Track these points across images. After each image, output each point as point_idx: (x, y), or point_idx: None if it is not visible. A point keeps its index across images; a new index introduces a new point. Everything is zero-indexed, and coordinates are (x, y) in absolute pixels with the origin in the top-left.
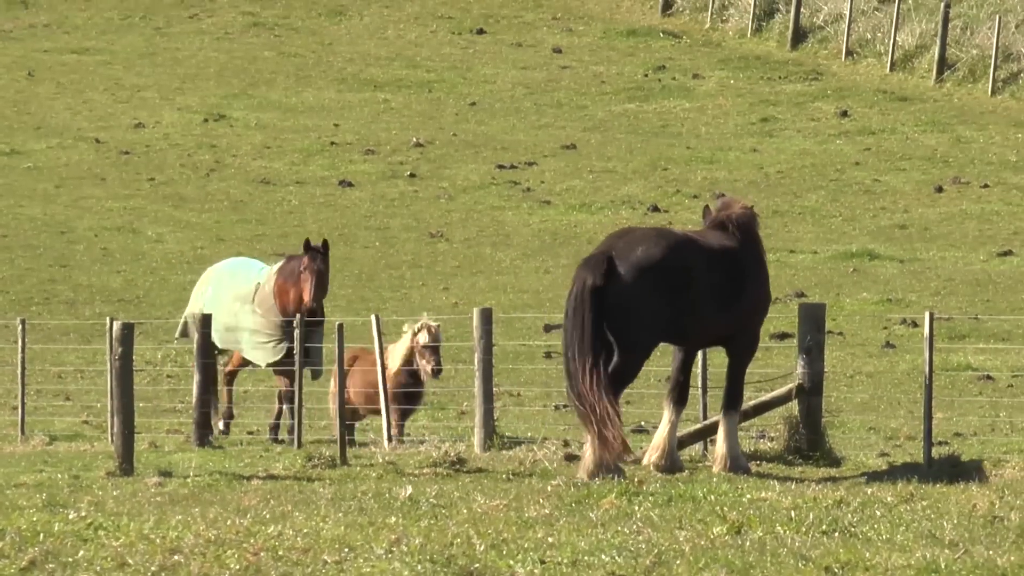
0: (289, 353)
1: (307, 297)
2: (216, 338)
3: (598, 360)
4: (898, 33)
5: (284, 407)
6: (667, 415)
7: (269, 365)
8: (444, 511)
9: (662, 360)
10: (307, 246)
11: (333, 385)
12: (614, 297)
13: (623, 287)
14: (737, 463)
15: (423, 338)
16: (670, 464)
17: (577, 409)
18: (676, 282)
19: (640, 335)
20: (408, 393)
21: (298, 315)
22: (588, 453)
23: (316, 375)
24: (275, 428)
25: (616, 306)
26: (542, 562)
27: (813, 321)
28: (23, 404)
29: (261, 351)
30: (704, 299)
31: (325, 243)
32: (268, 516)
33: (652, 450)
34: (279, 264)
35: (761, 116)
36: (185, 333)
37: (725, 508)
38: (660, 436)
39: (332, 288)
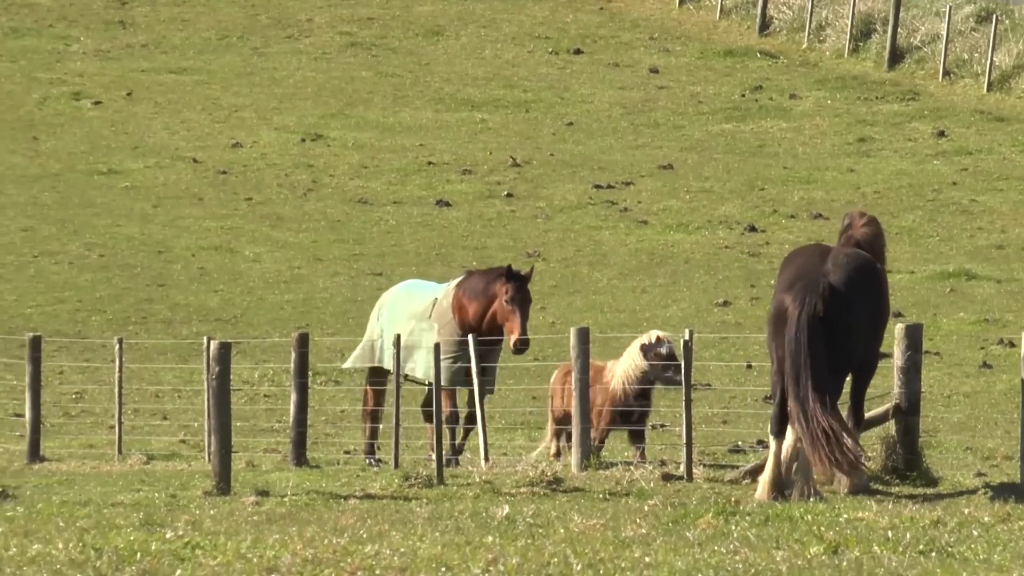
0: (466, 373)
1: (516, 332)
2: (387, 362)
3: (827, 384)
4: (995, 53)
5: (456, 427)
6: (774, 446)
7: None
8: (541, 530)
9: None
10: (510, 273)
11: (559, 397)
12: (835, 319)
13: (845, 309)
14: (858, 479)
15: (663, 349)
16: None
17: (805, 430)
18: (876, 301)
19: (856, 353)
20: (627, 411)
21: (471, 334)
22: (769, 472)
23: (489, 394)
24: (459, 449)
25: (839, 332)
26: None
27: (911, 341)
28: (120, 423)
29: (441, 371)
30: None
31: (531, 271)
32: (365, 535)
33: (763, 484)
34: (458, 279)
35: (858, 136)
36: (367, 359)
37: (822, 528)
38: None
39: None
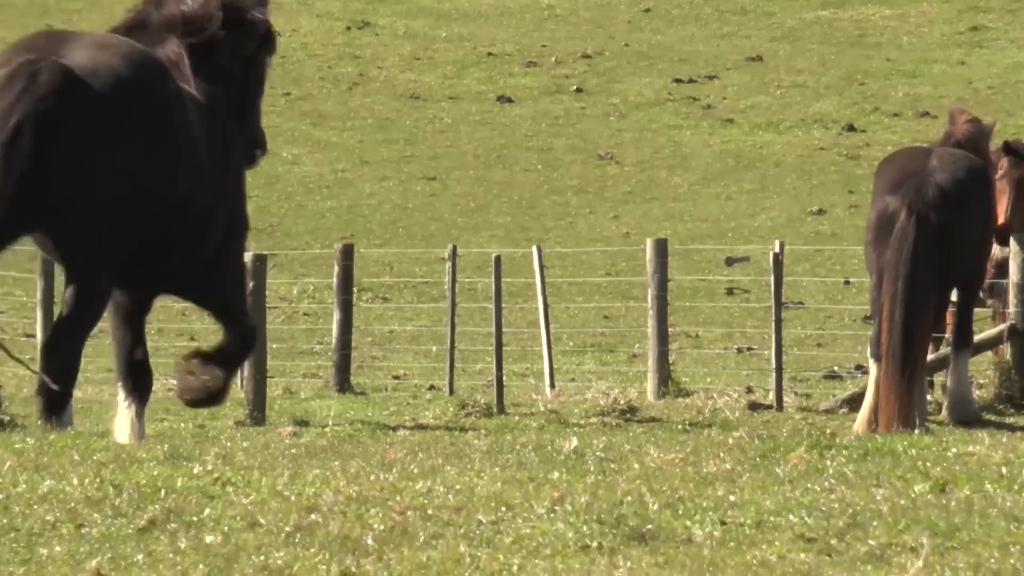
0: None
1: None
2: None
3: (927, 309)
4: None
5: None
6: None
7: None
8: (613, 466)
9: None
10: (1008, 148)
11: None
12: (945, 228)
13: (955, 212)
14: (968, 408)
15: None
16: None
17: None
18: (988, 207)
19: (965, 264)
20: None
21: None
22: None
23: None
24: None
25: (950, 238)
26: (723, 523)
27: None
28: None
29: None
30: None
31: None
32: (416, 471)
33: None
34: None
35: (970, 24)
36: None
37: (928, 464)
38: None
39: (488, 216)
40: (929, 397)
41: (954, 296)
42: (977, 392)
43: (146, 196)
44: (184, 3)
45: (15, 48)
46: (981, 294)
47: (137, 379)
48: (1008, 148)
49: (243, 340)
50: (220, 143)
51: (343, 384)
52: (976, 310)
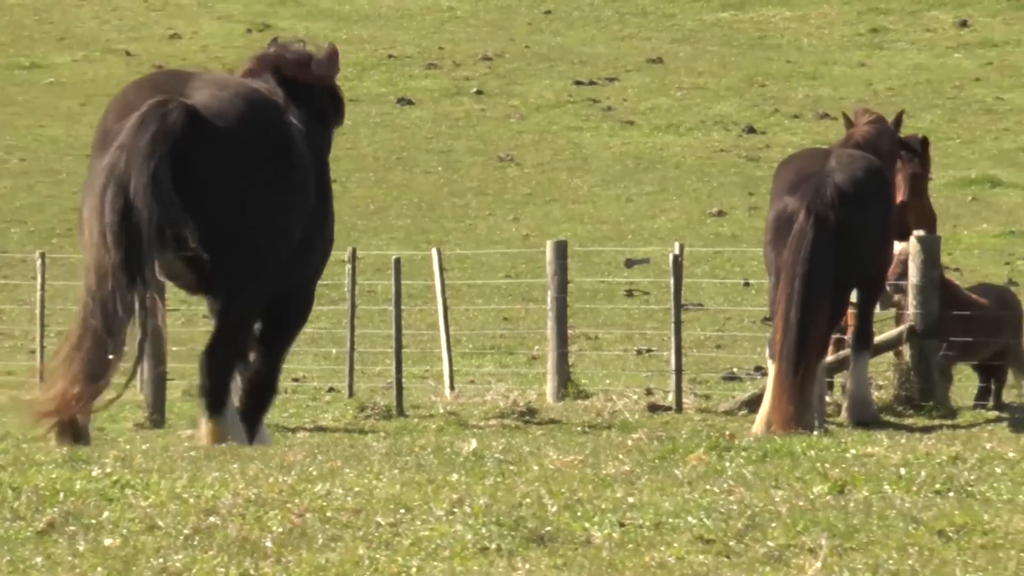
0: None
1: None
2: None
3: (824, 309)
4: None
5: None
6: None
7: None
8: (512, 468)
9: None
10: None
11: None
12: (843, 228)
13: (853, 213)
14: (867, 409)
15: None
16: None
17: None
18: (885, 207)
19: (864, 265)
20: None
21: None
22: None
23: None
24: None
25: (848, 239)
26: (621, 524)
27: (927, 255)
28: (42, 347)
29: None
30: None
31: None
32: (315, 473)
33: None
34: None
35: (870, 26)
36: None
37: (827, 465)
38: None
39: (388, 219)
40: (829, 398)
41: (855, 297)
42: (877, 393)
43: (274, 220)
44: (301, 52)
45: (140, 88)
46: (897, 296)
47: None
48: (901, 144)
49: (264, 383)
50: (321, 179)
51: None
52: (883, 312)
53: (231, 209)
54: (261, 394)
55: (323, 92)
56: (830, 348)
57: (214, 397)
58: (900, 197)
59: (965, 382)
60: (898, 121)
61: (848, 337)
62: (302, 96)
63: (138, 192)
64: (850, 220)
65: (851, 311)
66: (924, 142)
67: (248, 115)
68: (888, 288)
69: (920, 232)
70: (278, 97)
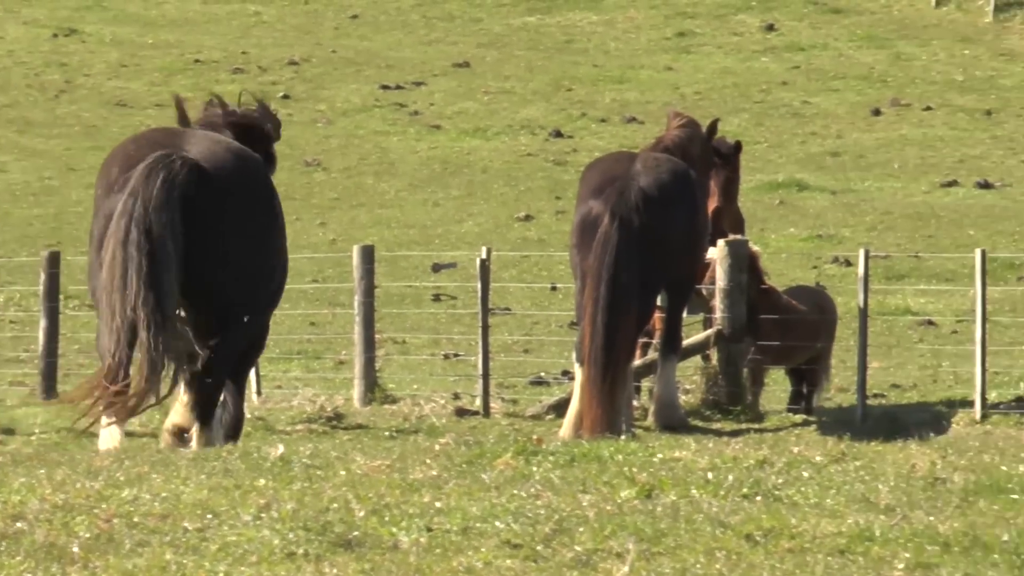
0: None
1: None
2: None
3: (630, 312)
4: None
5: None
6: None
7: None
8: (319, 472)
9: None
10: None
11: None
12: (648, 232)
13: (657, 217)
14: (674, 413)
15: None
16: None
17: (589, 370)
18: (690, 210)
19: (670, 269)
20: None
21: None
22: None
23: None
24: None
25: (652, 242)
26: (429, 529)
27: (735, 259)
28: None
29: None
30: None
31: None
32: (122, 479)
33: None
34: None
35: (677, 30)
36: None
37: (634, 469)
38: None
39: None
40: (636, 402)
41: (664, 300)
42: (684, 397)
43: (266, 259)
44: (241, 110)
45: (141, 143)
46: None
47: None
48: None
49: (238, 413)
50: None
51: (50, 391)
52: (691, 316)
53: (233, 249)
54: (237, 424)
55: (270, 151)
56: (637, 352)
57: (206, 411)
58: (714, 202)
59: (774, 386)
60: (712, 128)
61: (656, 341)
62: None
63: (159, 237)
64: (654, 223)
65: (659, 315)
66: (736, 146)
67: (242, 168)
68: (706, 292)
69: (733, 236)
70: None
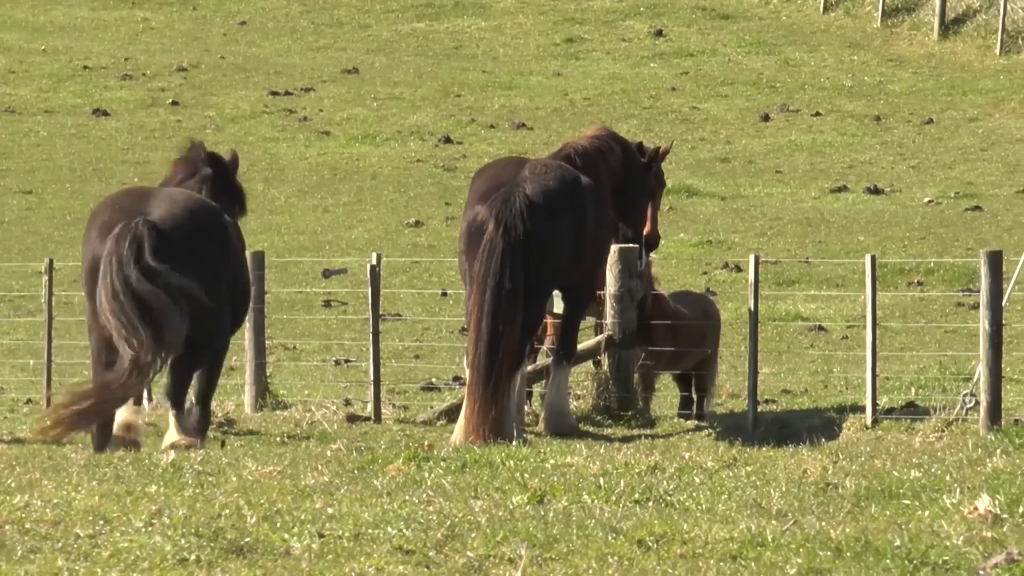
0: None
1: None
2: None
3: (515, 319)
4: None
5: None
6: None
7: None
8: (211, 479)
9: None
10: None
11: None
12: (532, 238)
13: (541, 225)
14: (564, 420)
15: None
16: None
17: (475, 376)
18: (578, 218)
19: (554, 281)
20: None
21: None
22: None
23: None
24: None
25: (537, 249)
26: (321, 535)
27: (625, 265)
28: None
29: None
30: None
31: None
32: (13, 485)
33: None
34: None
35: (566, 36)
36: None
37: (526, 475)
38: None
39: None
40: (528, 408)
41: (558, 307)
42: (575, 403)
43: (220, 289)
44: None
45: (110, 208)
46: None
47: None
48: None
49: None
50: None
51: None
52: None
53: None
54: (203, 427)
55: (239, 191)
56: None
57: (179, 400)
58: (648, 226)
59: (665, 392)
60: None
61: (545, 347)
62: (227, 192)
63: (137, 285)
64: (539, 230)
65: (553, 321)
66: (664, 152)
67: (195, 221)
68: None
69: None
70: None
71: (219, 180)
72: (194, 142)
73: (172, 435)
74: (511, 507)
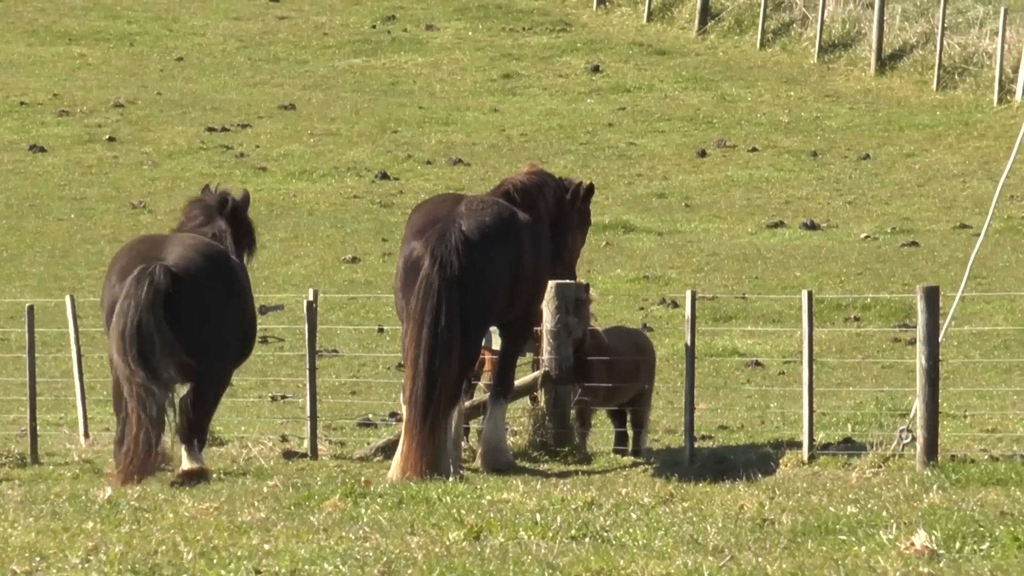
0: None
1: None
2: None
3: (452, 355)
4: None
5: None
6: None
7: None
8: (148, 515)
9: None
10: None
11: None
12: (468, 274)
13: (477, 261)
14: (500, 456)
15: None
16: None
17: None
18: (515, 254)
19: (491, 317)
20: None
21: None
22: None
23: None
24: None
25: (473, 285)
26: (257, 572)
27: (561, 301)
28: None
29: None
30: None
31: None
32: None
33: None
34: None
35: (503, 72)
36: None
37: (462, 511)
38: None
39: (22, 266)
40: (465, 444)
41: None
42: (512, 439)
43: (227, 329)
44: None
45: (130, 254)
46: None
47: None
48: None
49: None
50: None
51: None
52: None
53: (201, 325)
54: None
55: (249, 228)
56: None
57: (194, 435)
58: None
59: (601, 427)
60: (577, 190)
61: (482, 383)
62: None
63: (146, 329)
64: (475, 266)
65: (491, 357)
66: (588, 190)
67: (204, 264)
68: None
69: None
70: (226, 240)
71: (234, 225)
72: (209, 190)
73: (185, 463)
74: (448, 543)
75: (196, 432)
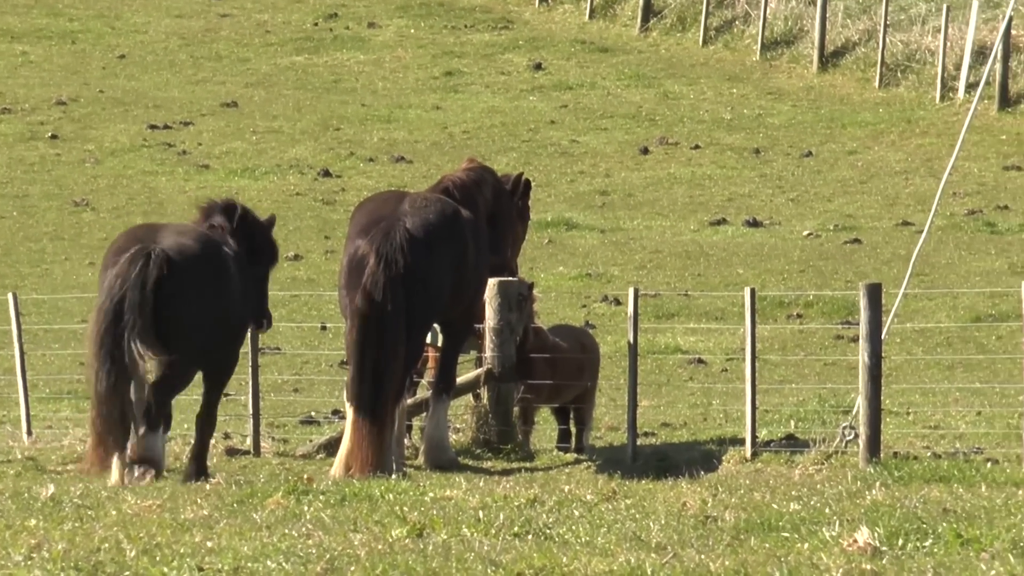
0: None
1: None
2: None
3: (397, 352)
4: None
5: None
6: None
7: None
8: (90, 512)
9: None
10: None
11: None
12: (413, 272)
13: (421, 259)
14: (443, 454)
15: None
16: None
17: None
18: (459, 251)
19: (435, 315)
20: None
21: None
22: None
23: None
24: None
25: (418, 282)
26: (200, 569)
27: (504, 299)
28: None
29: None
30: (467, 271)
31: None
32: None
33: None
34: None
35: (445, 69)
36: None
37: (405, 508)
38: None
39: None
40: (408, 441)
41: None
42: (455, 436)
43: (215, 315)
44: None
45: (127, 238)
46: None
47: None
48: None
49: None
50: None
51: None
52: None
53: (192, 310)
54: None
55: (264, 236)
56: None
57: (154, 419)
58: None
59: (544, 425)
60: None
61: (425, 380)
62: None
63: (132, 305)
64: (418, 264)
65: (433, 354)
66: (525, 185)
67: (198, 251)
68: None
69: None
70: (221, 233)
71: (243, 230)
72: (214, 200)
73: (139, 449)
74: (390, 540)
75: (154, 422)
